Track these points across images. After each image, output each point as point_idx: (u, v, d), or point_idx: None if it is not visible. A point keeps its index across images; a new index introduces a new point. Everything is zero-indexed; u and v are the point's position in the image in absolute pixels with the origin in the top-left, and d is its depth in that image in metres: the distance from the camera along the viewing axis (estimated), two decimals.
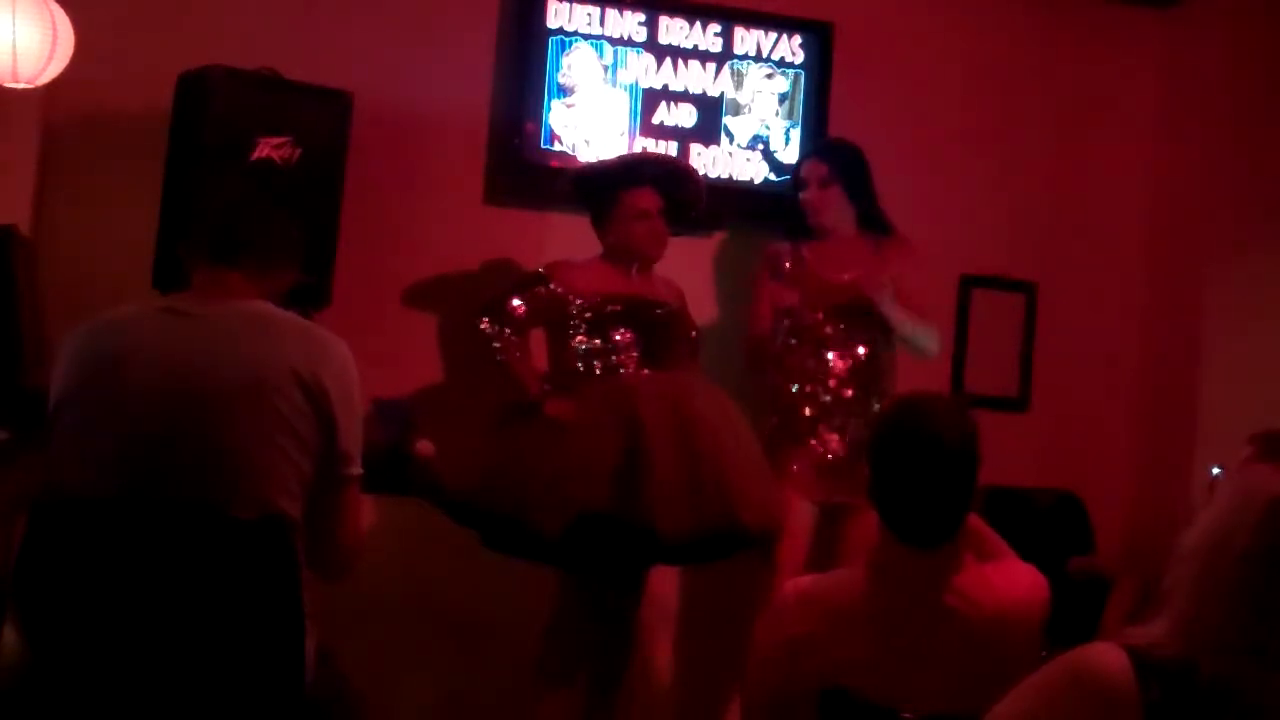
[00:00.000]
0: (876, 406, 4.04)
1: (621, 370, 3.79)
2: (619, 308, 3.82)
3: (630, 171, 3.96)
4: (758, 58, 4.48)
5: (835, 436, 4.03)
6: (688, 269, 4.22)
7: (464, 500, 3.64)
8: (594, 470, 3.55)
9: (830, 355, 4.04)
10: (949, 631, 2.32)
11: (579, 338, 3.82)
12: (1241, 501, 1.66)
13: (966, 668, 2.30)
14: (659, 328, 3.87)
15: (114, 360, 2.41)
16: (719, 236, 4.53)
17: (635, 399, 3.67)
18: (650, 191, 3.90)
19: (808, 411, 4.03)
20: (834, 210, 4.12)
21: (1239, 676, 1.58)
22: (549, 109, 4.30)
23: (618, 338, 3.81)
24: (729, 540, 3.69)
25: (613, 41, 4.36)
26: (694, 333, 4.01)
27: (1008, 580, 2.41)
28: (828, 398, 4.03)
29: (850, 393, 4.04)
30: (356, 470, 2.50)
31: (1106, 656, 1.63)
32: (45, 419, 2.48)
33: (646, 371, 3.80)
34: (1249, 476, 1.70)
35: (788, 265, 4.09)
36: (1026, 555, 2.54)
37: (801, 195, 4.14)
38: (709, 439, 3.66)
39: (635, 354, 3.81)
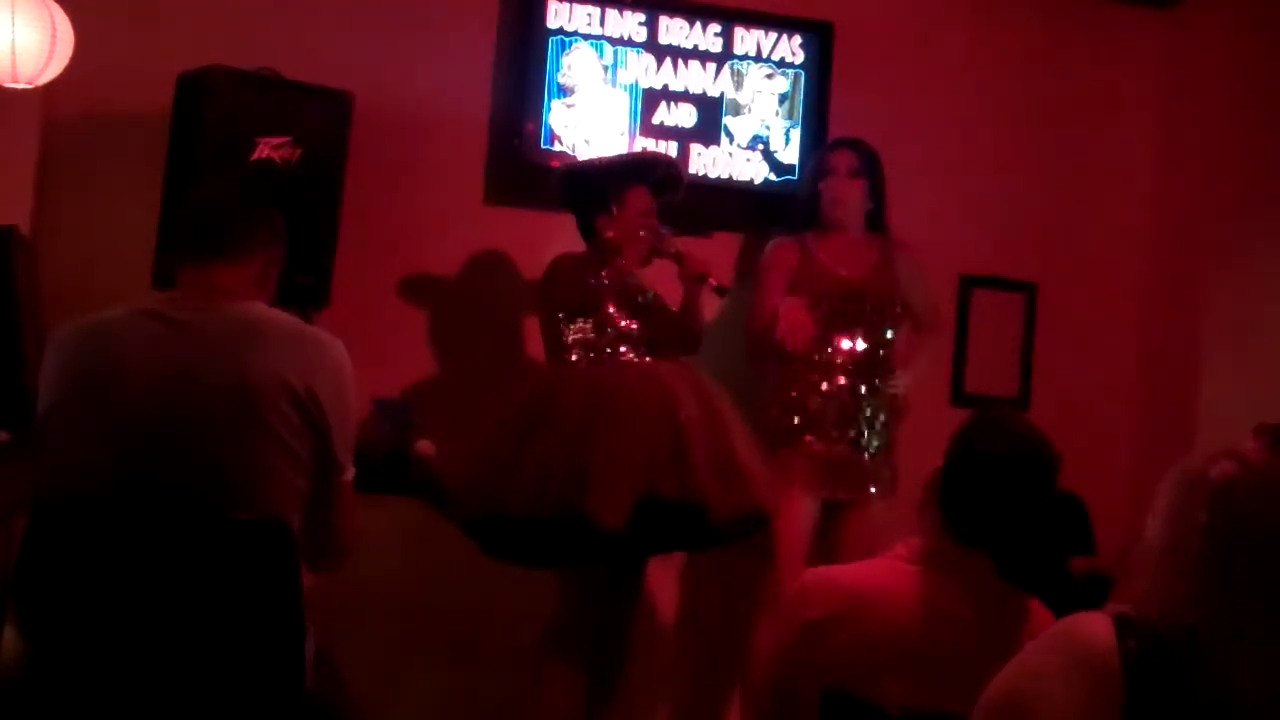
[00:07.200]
0: (877, 401, 4.05)
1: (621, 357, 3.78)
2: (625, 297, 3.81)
3: (637, 171, 3.94)
4: (758, 58, 4.48)
5: (836, 431, 4.03)
6: None
7: (478, 512, 3.59)
8: (649, 455, 3.53)
9: (832, 350, 4.05)
10: (986, 634, 2.36)
11: (577, 325, 3.80)
12: (1191, 486, 1.78)
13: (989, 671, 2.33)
14: (655, 318, 3.86)
15: (105, 371, 2.38)
16: (719, 236, 4.52)
17: (661, 385, 3.66)
18: (647, 192, 3.89)
19: (809, 406, 4.03)
20: (853, 203, 4.15)
21: (1208, 642, 1.70)
22: (549, 109, 4.30)
23: (621, 324, 3.81)
24: (750, 522, 3.68)
25: (613, 41, 4.36)
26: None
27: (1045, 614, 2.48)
28: (830, 392, 4.04)
29: (851, 387, 4.04)
30: (349, 475, 2.51)
31: (1092, 620, 1.76)
32: (34, 424, 2.45)
33: (647, 359, 3.79)
34: (1185, 467, 1.81)
35: (795, 260, 4.10)
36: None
37: (824, 183, 4.15)
38: (721, 424, 3.67)
39: (634, 343, 3.80)
